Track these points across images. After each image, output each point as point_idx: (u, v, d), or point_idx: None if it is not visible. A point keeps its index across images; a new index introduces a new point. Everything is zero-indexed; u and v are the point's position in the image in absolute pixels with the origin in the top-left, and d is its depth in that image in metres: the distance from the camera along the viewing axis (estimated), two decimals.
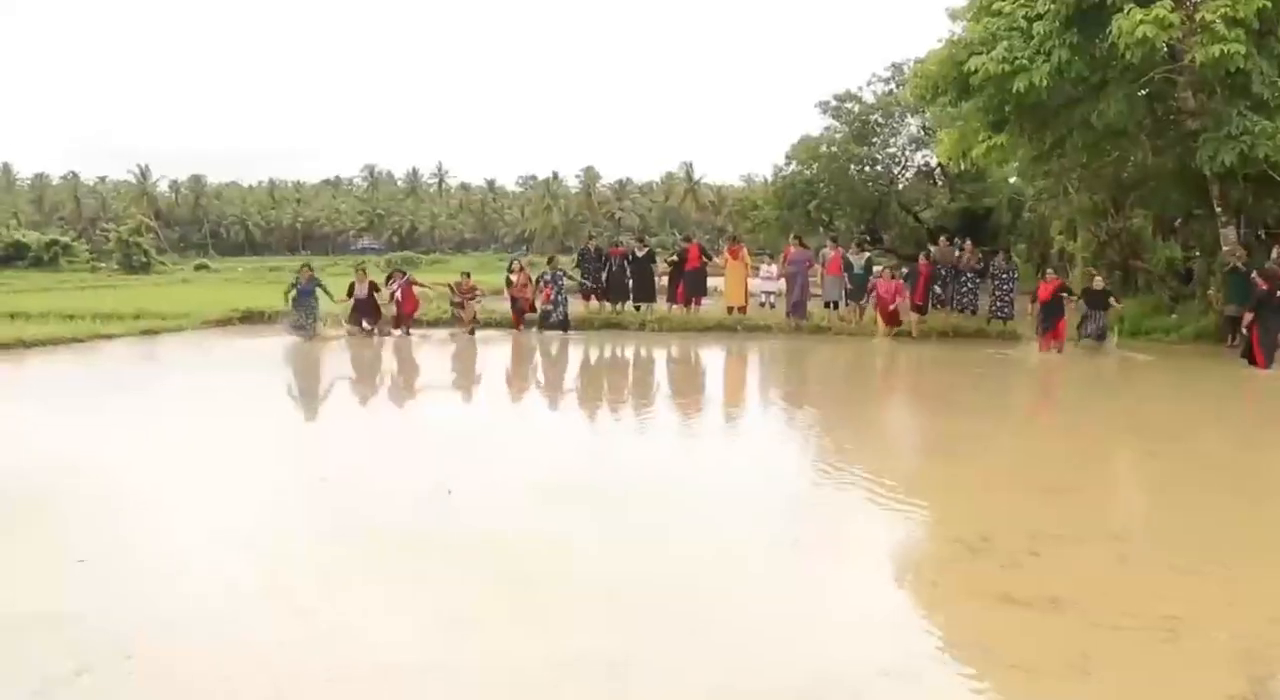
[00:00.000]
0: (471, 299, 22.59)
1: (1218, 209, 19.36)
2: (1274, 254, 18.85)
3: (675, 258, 24.53)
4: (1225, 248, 19.01)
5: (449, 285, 23.59)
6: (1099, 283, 19.52)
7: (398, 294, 22.20)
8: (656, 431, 12.05)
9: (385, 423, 12.75)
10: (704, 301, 24.01)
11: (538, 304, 22.40)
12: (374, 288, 22.28)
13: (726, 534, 7.44)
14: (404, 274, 23.17)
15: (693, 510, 8.09)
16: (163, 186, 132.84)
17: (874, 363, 18.98)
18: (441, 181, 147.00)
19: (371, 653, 5.17)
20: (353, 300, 22.02)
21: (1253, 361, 16.35)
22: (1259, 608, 6.00)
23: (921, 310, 22.37)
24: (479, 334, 21.83)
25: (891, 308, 21.31)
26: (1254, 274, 17.17)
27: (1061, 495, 8.70)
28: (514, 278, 22.99)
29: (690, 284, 23.67)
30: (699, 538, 7.33)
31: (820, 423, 12.57)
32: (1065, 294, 19.74)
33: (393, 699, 4.76)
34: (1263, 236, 20.41)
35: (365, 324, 22.00)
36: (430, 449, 10.59)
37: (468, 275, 24.01)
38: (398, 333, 21.92)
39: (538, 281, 22.48)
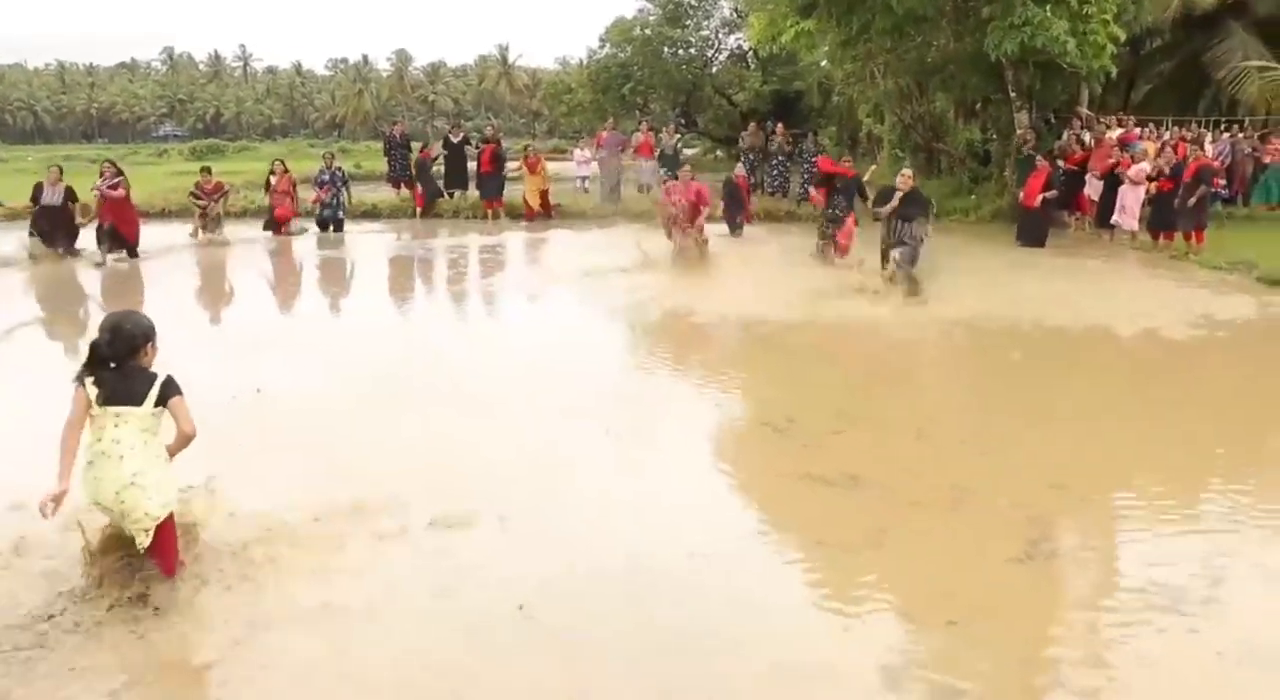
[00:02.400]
0: (217, 199, 18.98)
1: (1011, 94, 20.20)
2: (1063, 136, 19.80)
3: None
4: (1019, 131, 19.85)
5: (194, 187, 19.24)
6: (906, 180, 13.58)
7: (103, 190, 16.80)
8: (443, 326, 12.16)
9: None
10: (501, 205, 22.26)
11: (309, 206, 20.64)
12: (70, 196, 16.89)
13: (540, 426, 7.58)
14: (116, 170, 17.45)
15: (499, 405, 8.17)
16: None
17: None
18: (246, 65, 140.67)
19: None
20: (37, 207, 16.87)
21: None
22: (1038, 476, 6.48)
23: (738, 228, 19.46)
24: (227, 237, 18.80)
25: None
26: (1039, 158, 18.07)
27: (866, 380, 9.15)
28: (274, 180, 20.38)
29: (484, 187, 22.34)
30: (511, 433, 7.45)
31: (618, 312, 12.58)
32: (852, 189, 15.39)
33: None
34: (1052, 121, 21.34)
35: (56, 246, 16.60)
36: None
37: (208, 170, 20.02)
38: (110, 257, 16.38)
39: (317, 181, 20.44)
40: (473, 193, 22.78)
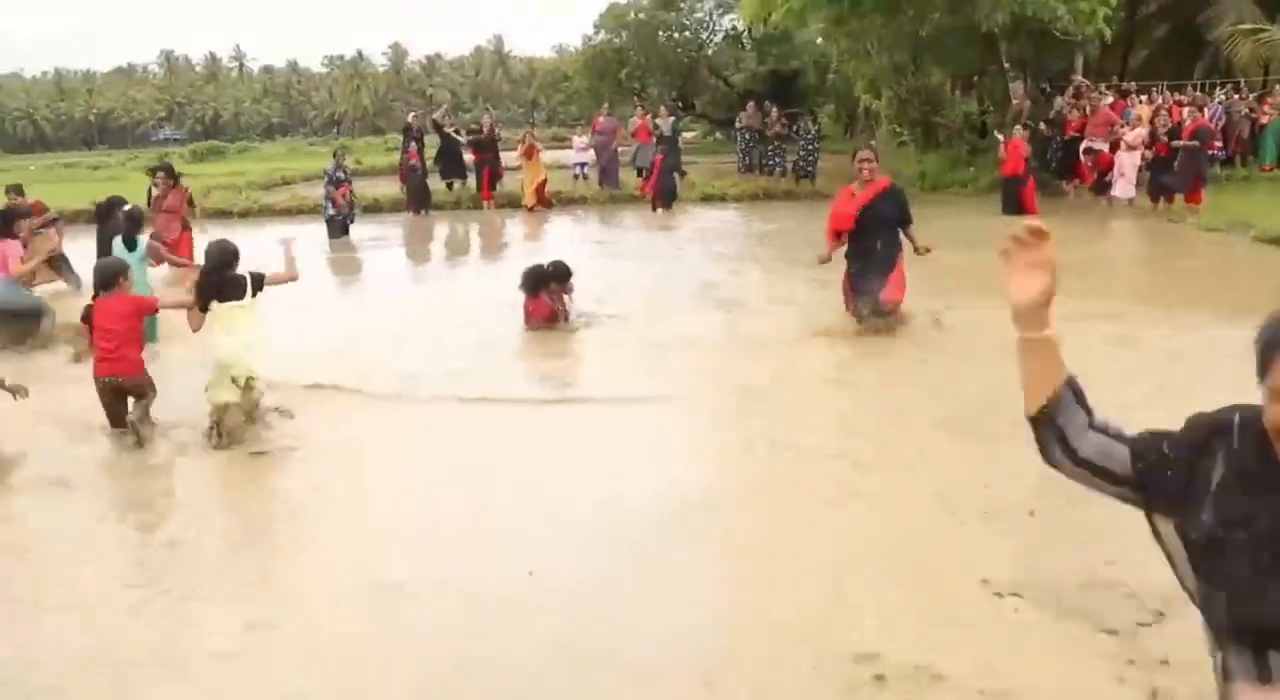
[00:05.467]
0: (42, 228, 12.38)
1: (1006, 65, 20.22)
2: (1056, 104, 19.81)
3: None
4: (1014, 101, 19.87)
5: None
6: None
7: None
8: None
9: None
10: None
11: (325, 205, 18.36)
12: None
13: None
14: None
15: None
16: None
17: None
18: (242, 65, 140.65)
19: None
20: None
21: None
22: None
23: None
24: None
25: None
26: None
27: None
28: (157, 189, 15.12)
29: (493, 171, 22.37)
30: None
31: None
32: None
33: None
34: (1047, 89, 21.36)
35: None
36: None
37: (18, 190, 13.57)
38: None
39: (331, 179, 18.19)
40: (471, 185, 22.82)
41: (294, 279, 7.66)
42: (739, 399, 7.62)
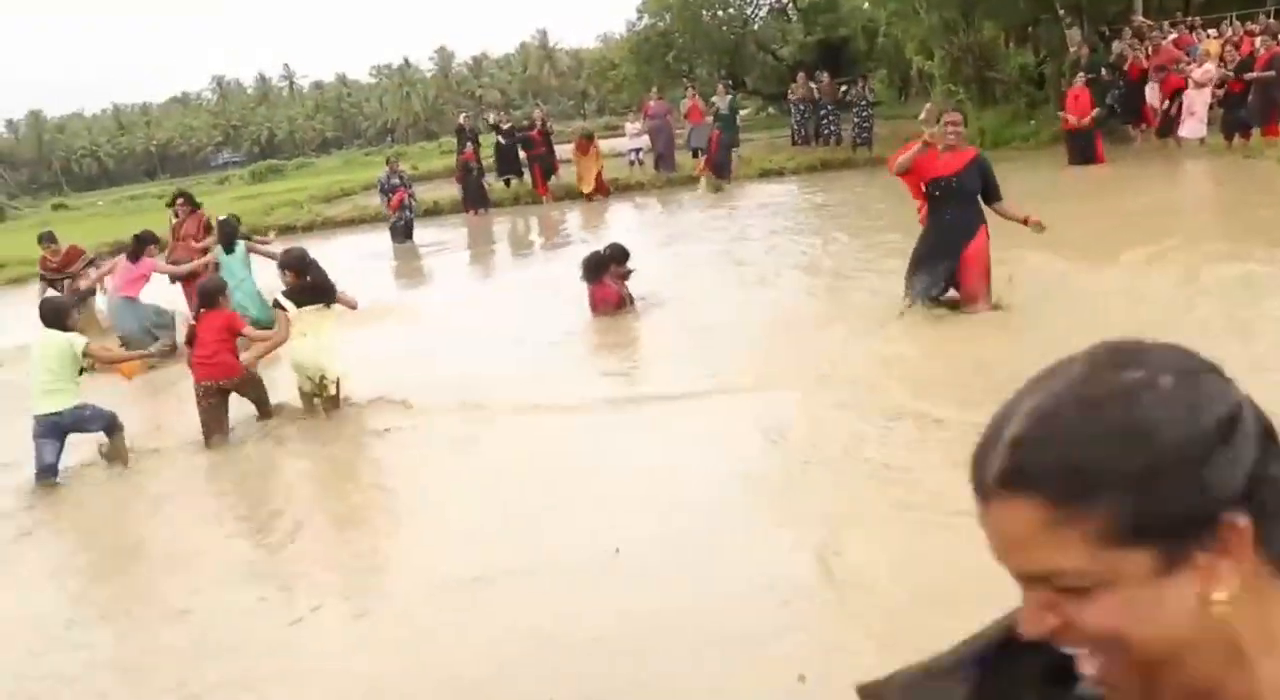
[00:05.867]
0: (78, 268, 13.31)
1: (1061, 11, 19.71)
2: (1116, 48, 19.24)
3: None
4: (1071, 48, 19.37)
5: (39, 265, 13.90)
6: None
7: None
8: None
9: None
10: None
11: (385, 213, 18.85)
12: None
13: None
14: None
15: None
16: None
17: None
18: (291, 83, 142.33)
19: None
20: None
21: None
22: None
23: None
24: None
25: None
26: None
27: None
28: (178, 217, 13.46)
29: (544, 167, 22.54)
30: None
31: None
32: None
33: None
34: (1105, 34, 20.78)
35: None
36: None
37: (51, 238, 13.66)
38: None
39: (386, 187, 18.75)
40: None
41: (354, 306, 8.27)
42: (816, 381, 7.34)
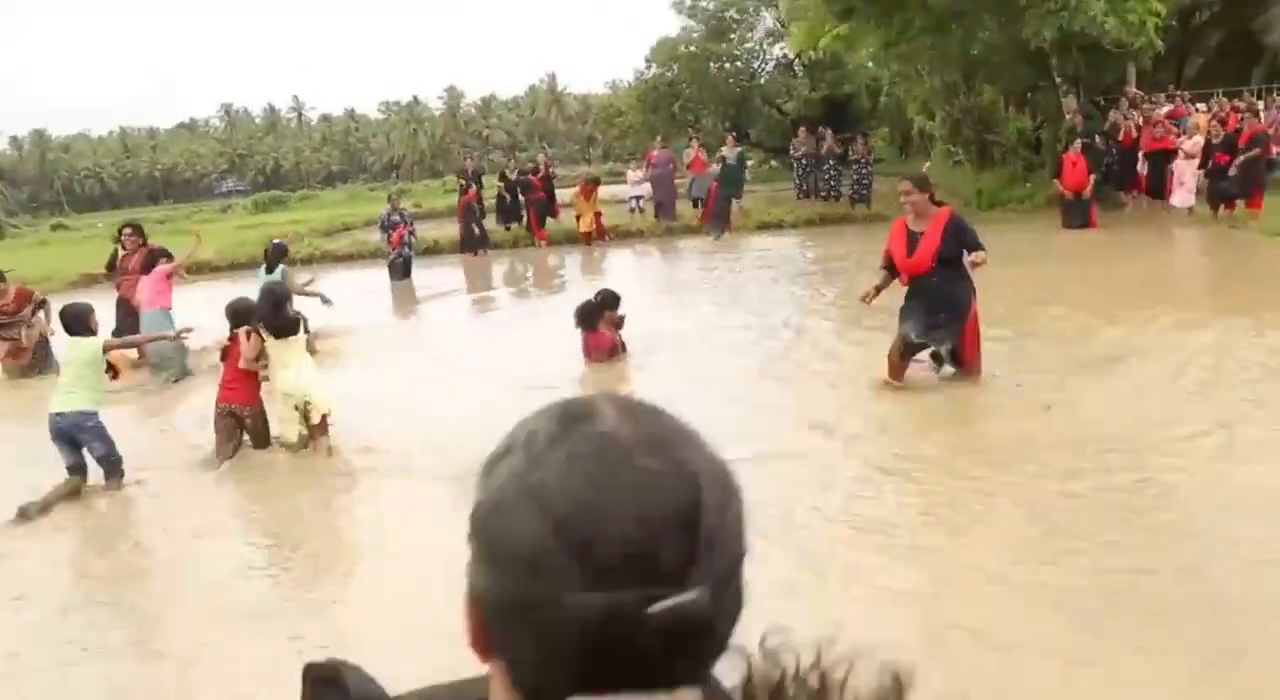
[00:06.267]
0: (29, 315, 12.41)
1: (1057, 79, 20.16)
2: (1110, 116, 19.67)
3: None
4: (1067, 115, 19.79)
5: None
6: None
7: None
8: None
9: None
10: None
11: (385, 249, 19.00)
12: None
13: None
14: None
15: None
16: (1, 144, 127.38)
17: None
18: (300, 115, 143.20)
19: None
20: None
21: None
22: None
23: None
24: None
25: None
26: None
27: None
28: (125, 248, 12.94)
29: (540, 212, 22.81)
30: None
31: None
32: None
33: None
34: (1100, 102, 21.21)
35: None
36: None
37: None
38: None
39: (387, 223, 18.94)
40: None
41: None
42: (807, 435, 7.50)
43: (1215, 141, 17.12)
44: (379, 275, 18.65)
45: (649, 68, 44.73)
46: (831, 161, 25.84)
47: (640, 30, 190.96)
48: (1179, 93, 23.19)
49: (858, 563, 5.25)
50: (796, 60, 42.38)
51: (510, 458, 0.84)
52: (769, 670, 0.83)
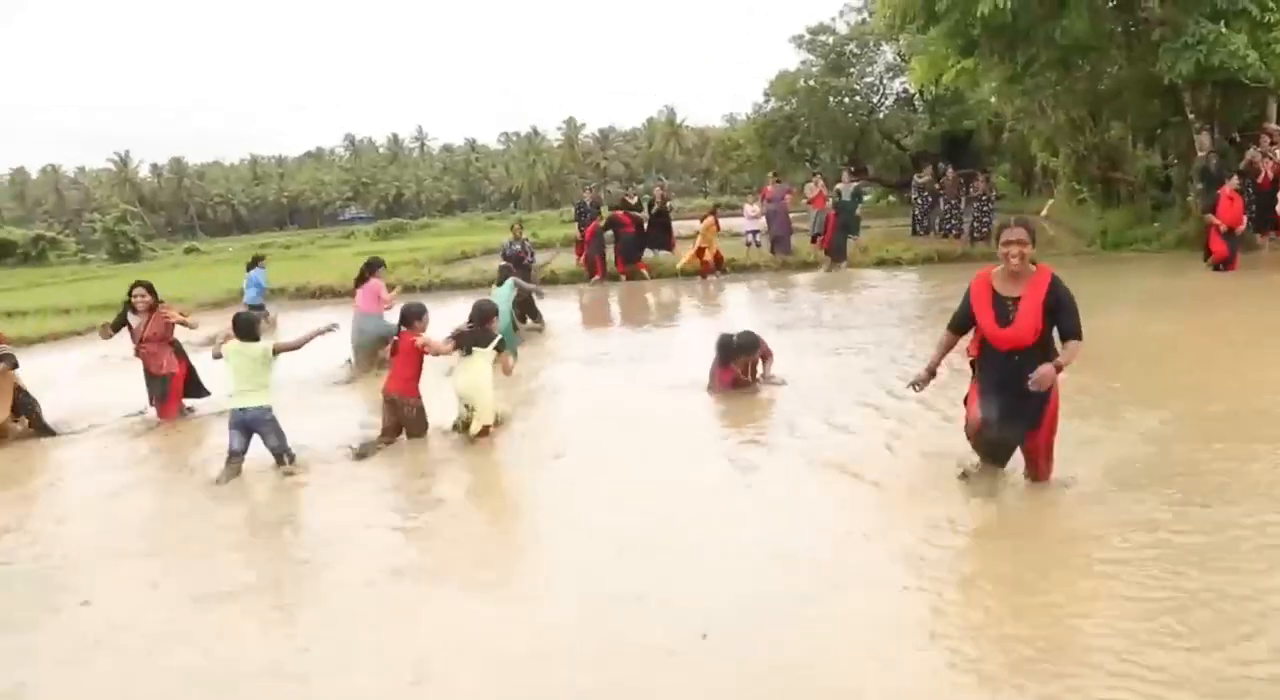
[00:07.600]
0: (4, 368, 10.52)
1: (1190, 116, 19.58)
2: (1247, 155, 19.01)
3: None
4: (1200, 153, 19.18)
5: None
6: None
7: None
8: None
9: None
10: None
11: None
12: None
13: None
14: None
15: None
16: (144, 172, 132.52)
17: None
18: (423, 145, 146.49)
19: None
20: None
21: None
22: None
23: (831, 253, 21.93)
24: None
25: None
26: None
27: None
28: (137, 304, 11.04)
29: (627, 248, 22.43)
30: None
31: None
32: None
33: None
34: (1236, 140, 20.51)
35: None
36: None
37: None
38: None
39: (507, 253, 18.72)
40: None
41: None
42: (922, 470, 7.34)
43: None
44: None
45: (767, 101, 44.89)
46: (953, 199, 25.49)
47: (759, 64, 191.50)
48: None
49: None
50: (917, 95, 42.08)
51: None
52: None
